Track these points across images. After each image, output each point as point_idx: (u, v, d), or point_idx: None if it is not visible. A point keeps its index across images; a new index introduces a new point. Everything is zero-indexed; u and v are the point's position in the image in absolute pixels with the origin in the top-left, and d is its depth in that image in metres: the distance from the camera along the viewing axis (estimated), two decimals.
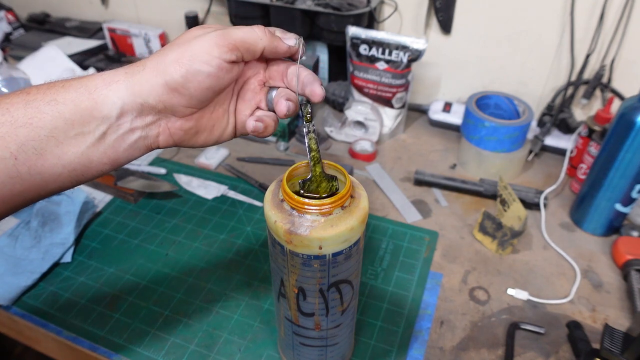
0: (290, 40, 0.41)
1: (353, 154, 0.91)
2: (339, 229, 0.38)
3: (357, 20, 0.91)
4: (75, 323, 0.61)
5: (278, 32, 0.41)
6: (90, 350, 0.58)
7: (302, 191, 0.42)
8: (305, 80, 0.41)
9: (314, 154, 0.41)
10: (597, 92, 0.90)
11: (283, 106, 0.41)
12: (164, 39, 1.19)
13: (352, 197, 0.41)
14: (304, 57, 0.42)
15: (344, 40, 0.92)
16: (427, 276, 0.67)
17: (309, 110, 0.42)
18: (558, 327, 0.61)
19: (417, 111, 1.05)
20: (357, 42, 0.89)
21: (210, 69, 0.37)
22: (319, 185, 0.42)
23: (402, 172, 0.87)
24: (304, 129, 0.41)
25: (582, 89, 0.90)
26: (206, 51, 0.37)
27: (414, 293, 0.65)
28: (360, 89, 0.95)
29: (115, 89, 0.37)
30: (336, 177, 0.43)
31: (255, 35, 0.38)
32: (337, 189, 0.42)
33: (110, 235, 0.74)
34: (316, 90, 0.41)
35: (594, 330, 0.60)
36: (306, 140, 0.41)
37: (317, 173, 0.42)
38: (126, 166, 0.86)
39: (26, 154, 0.35)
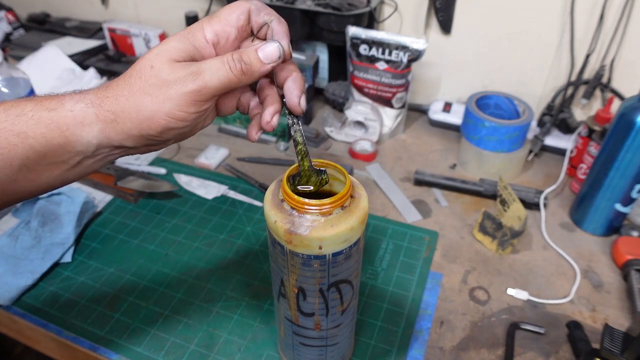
0: (270, 53, 0.37)
1: (353, 154, 0.91)
2: (339, 229, 0.38)
3: (357, 20, 0.91)
4: (75, 323, 0.61)
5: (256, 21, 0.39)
6: (90, 350, 0.58)
7: (292, 187, 0.42)
8: (289, 88, 0.40)
9: (300, 147, 0.41)
10: (597, 92, 0.90)
11: (270, 127, 0.40)
12: (164, 39, 1.18)
13: (352, 197, 0.41)
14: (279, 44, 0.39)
15: (344, 40, 0.92)
16: (427, 276, 0.67)
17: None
18: (558, 327, 0.61)
19: (417, 111, 1.05)
20: (357, 42, 0.89)
21: (186, 123, 0.37)
22: (309, 179, 0.42)
23: (402, 172, 0.87)
24: (288, 122, 0.41)
25: (582, 89, 0.90)
26: (181, 109, 0.36)
27: (414, 293, 0.65)
28: (360, 89, 0.95)
29: (88, 130, 0.36)
30: (325, 170, 0.43)
31: (235, 80, 0.36)
32: (326, 182, 0.42)
33: (110, 235, 0.74)
34: (294, 106, 0.40)
35: (594, 330, 0.60)
36: (292, 133, 0.41)
37: (306, 167, 0.42)
38: (126, 166, 0.86)
39: (0, 180, 0.35)
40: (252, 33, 0.40)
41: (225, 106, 0.42)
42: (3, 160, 0.34)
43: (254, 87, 0.43)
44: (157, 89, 0.35)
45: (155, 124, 0.36)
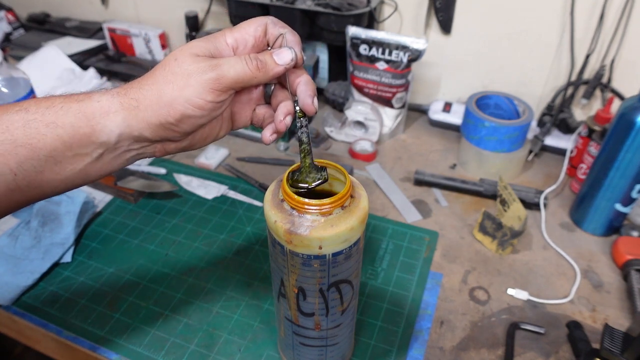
0: (284, 56, 0.41)
1: (353, 154, 0.91)
2: (339, 229, 0.38)
3: (357, 20, 0.91)
4: (75, 323, 0.61)
5: (272, 32, 0.42)
6: (90, 350, 0.58)
7: (291, 181, 0.43)
8: (301, 91, 0.42)
9: (304, 146, 0.43)
10: (597, 92, 0.90)
11: (283, 125, 0.43)
12: (164, 39, 1.19)
13: (352, 197, 0.41)
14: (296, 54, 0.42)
15: (344, 40, 0.92)
16: (427, 276, 0.67)
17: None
18: (558, 327, 0.61)
19: (417, 111, 1.05)
20: (357, 42, 0.89)
21: (204, 112, 0.39)
22: (308, 175, 0.43)
23: (402, 172, 0.87)
24: (297, 124, 0.43)
25: (582, 89, 0.90)
26: (200, 96, 0.38)
27: (414, 293, 0.65)
28: (360, 89, 0.95)
29: (112, 119, 0.38)
30: (325, 167, 0.43)
31: (250, 74, 0.39)
32: (326, 179, 0.43)
33: (110, 235, 0.74)
34: (308, 106, 0.42)
35: (594, 330, 0.60)
36: (298, 134, 0.43)
37: (307, 164, 0.43)
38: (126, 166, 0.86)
39: (26, 171, 0.36)
40: (269, 45, 0.43)
41: (240, 116, 0.45)
42: (31, 150, 0.36)
43: (268, 102, 0.46)
44: (179, 77, 0.38)
45: (174, 110, 0.38)
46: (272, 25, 0.42)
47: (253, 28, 0.42)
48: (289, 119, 0.43)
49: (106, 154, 0.39)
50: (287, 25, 0.43)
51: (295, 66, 0.42)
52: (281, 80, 0.44)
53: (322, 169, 0.43)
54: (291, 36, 0.42)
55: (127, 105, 0.38)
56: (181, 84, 0.38)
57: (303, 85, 0.42)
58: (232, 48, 0.41)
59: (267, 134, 0.45)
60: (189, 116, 0.38)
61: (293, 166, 0.43)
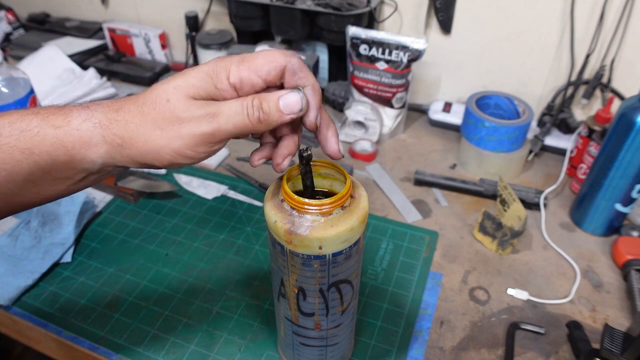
0: (292, 104, 0.36)
1: (353, 154, 0.91)
2: (339, 229, 0.38)
3: (357, 20, 0.91)
4: (75, 323, 0.61)
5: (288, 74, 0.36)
6: (90, 350, 0.58)
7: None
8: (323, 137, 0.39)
9: (307, 188, 0.42)
10: (597, 92, 0.90)
11: (279, 168, 0.40)
12: (164, 39, 1.19)
13: (352, 197, 0.41)
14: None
15: (344, 40, 0.92)
16: (427, 276, 0.67)
17: (310, 154, 0.40)
18: (558, 327, 0.61)
19: (417, 111, 1.05)
20: (357, 42, 0.89)
21: (194, 161, 0.36)
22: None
23: (402, 172, 0.87)
24: (302, 170, 0.41)
25: (582, 89, 0.90)
26: (191, 149, 0.35)
27: (414, 293, 0.65)
28: (360, 89, 0.95)
29: (94, 150, 0.35)
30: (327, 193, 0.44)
31: (251, 126, 0.35)
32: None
33: (110, 235, 0.74)
34: (335, 153, 0.39)
35: (594, 330, 0.60)
36: (302, 174, 0.42)
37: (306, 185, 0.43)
38: None
39: (2, 194, 0.35)
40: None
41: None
42: (7, 175, 0.34)
43: None
44: (169, 124, 0.34)
45: (161, 158, 0.35)
46: (291, 73, 0.36)
47: (266, 70, 0.35)
48: (287, 162, 0.39)
49: (90, 176, 0.37)
50: (310, 74, 0.37)
51: (308, 126, 0.38)
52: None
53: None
54: (311, 95, 0.37)
55: (110, 141, 0.35)
56: (171, 134, 0.34)
57: (325, 128, 0.38)
58: (234, 87, 0.36)
59: (256, 158, 0.40)
60: (178, 163, 0.36)
61: (293, 166, 0.43)
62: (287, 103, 0.35)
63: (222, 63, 0.35)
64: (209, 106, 0.34)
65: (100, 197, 0.81)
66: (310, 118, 0.37)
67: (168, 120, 0.34)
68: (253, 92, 0.36)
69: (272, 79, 0.36)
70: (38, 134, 0.34)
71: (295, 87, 0.37)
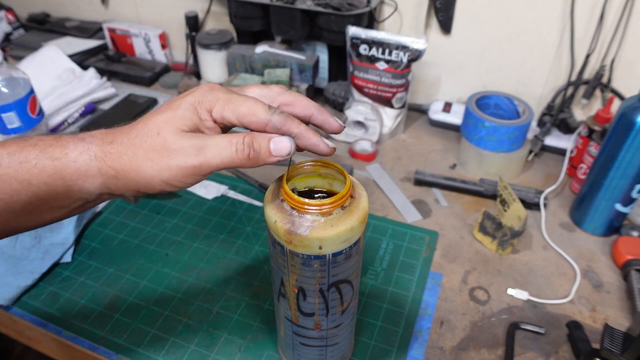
0: (282, 148, 0.37)
1: (353, 154, 0.91)
2: (339, 229, 0.38)
3: (357, 20, 0.91)
4: (75, 323, 0.61)
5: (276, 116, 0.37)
6: (90, 350, 0.58)
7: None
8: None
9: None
10: (597, 92, 0.90)
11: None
12: (164, 39, 1.19)
13: (352, 197, 0.41)
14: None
15: (344, 40, 0.92)
16: (427, 276, 0.67)
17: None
18: (558, 327, 0.61)
19: (417, 111, 1.05)
20: (357, 42, 0.89)
21: (184, 187, 0.37)
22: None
23: (402, 172, 0.87)
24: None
25: (582, 89, 0.90)
26: (178, 180, 0.36)
27: (414, 293, 0.65)
28: (360, 89, 0.95)
29: (91, 182, 0.37)
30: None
31: (238, 162, 0.36)
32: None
33: (110, 235, 0.74)
34: (334, 125, 0.41)
35: (594, 330, 0.60)
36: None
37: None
38: None
39: (0, 222, 0.36)
40: None
41: None
42: (5, 204, 0.35)
43: None
44: (159, 156, 0.35)
45: (152, 187, 0.36)
46: (273, 130, 0.37)
47: (247, 121, 0.37)
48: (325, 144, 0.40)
49: (86, 204, 0.39)
50: (296, 120, 0.38)
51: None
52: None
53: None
54: (316, 111, 0.40)
55: (106, 172, 0.36)
56: (161, 165, 0.35)
57: (322, 114, 0.40)
58: (215, 121, 0.37)
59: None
60: (167, 190, 0.37)
61: (293, 166, 0.43)
62: (278, 147, 0.37)
63: (208, 97, 0.37)
64: (196, 139, 0.36)
65: None
66: (332, 125, 0.41)
67: (158, 152, 0.35)
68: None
69: (253, 129, 0.37)
70: (36, 166, 0.35)
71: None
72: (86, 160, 0.36)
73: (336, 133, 0.41)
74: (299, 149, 0.39)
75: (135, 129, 0.37)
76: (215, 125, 0.37)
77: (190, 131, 0.36)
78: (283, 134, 0.37)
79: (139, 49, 1.22)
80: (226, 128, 0.39)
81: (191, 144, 0.35)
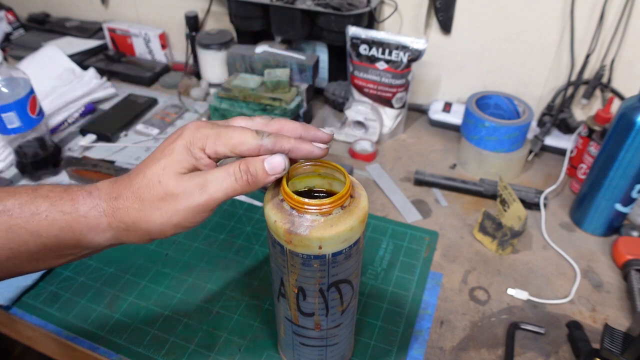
0: (276, 165, 0.38)
1: (353, 154, 0.91)
2: (338, 229, 0.38)
3: (357, 20, 0.91)
4: (75, 323, 0.61)
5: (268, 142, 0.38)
6: (90, 350, 0.58)
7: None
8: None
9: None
10: (597, 92, 0.90)
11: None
12: (164, 39, 1.19)
13: (352, 197, 0.41)
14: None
15: (344, 40, 0.92)
16: (427, 276, 0.67)
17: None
18: (558, 327, 0.61)
19: (417, 111, 1.05)
20: (357, 42, 0.89)
21: (194, 227, 0.39)
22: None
23: (402, 172, 0.87)
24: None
25: (582, 89, 0.90)
26: (189, 220, 0.37)
27: (414, 293, 0.65)
28: (360, 89, 0.95)
29: (101, 235, 0.38)
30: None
31: (240, 190, 0.38)
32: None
33: None
34: (322, 136, 0.41)
35: (594, 330, 0.60)
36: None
37: None
38: (126, 166, 0.86)
39: (5, 268, 0.37)
40: None
41: None
42: (13, 253, 0.36)
43: None
44: (166, 203, 0.37)
45: (165, 232, 0.38)
46: (266, 151, 0.38)
47: (240, 150, 0.38)
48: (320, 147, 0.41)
49: (93, 252, 0.40)
50: (286, 137, 0.38)
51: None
52: None
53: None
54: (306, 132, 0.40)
55: (116, 227, 0.38)
56: (170, 211, 0.37)
57: (309, 131, 0.40)
58: (209, 157, 0.38)
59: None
60: (179, 232, 0.39)
61: (293, 166, 0.43)
62: (273, 166, 0.38)
63: (198, 136, 0.38)
64: (196, 177, 0.37)
65: None
66: (322, 137, 0.41)
67: (164, 200, 0.37)
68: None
69: (247, 156, 0.38)
70: (47, 218, 0.36)
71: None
72: (96, 216, 0.37)
73: (327, 142, 0.42)
74: (295, 160, 0.40)
75: (136, 181, 0.38)
76: (211, 160, 0.38)
77: (188, 172, 0.38)
78: (277, 153, 0.39)
79: (139, 49, 1.22)
80: (218, 160, 0.40)
81: (193, 183, 0.37)
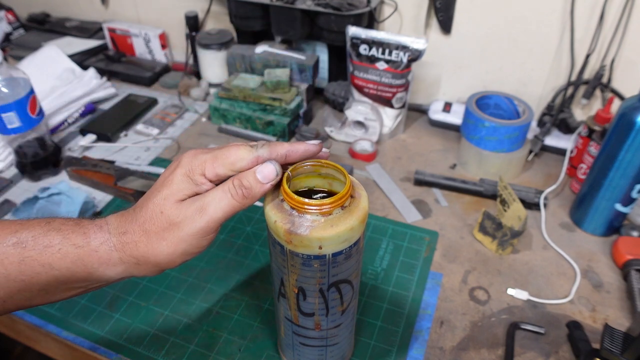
0: (267, 173, 0.38)
1: (353, 154, 0.91)
2: (339, 229, 0.38)
3: (357, 20, 0.91)
4: (75, 323, 0.61)
5: (264, 151, 0.39)
6: (90, 350, 0.58)
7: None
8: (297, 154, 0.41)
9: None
10: (597, 92, 0.90)
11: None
12: (164, 39, 1.19)
13: (352, 197, 0.41)
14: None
15: (344, 40, 0.92)
16: (427, 276, 0.67)
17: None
18: (558, 327, 0.61)
19: (417, 111, 1.05)
20: (357, 42, 0.89)
21: (201, 251, 0.40)
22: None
23: (402, 172, 0.87)
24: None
25: (582, 89, 0.90)
26: (195, 246, 0.38)
27: (414, 293, 0.65)
28: (360, 89, 0.95)
29: (112, 269, 0.38)
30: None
31: (238, 205, 0.38)
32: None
33: None
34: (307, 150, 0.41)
35: (594, 330, 0.60)
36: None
37: None
38: (126, 166, 0.86)
39: (16, 300, 0.37)
40: None
41: None
42: (24, 286, 0.36)
43: None
44: (170, 233, 0.37)
45: (174, 262, 0.39)
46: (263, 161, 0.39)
47: (239, 166, 0.39)
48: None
49: (103, 285, 0.40)
50: (280, 145, 0.40)
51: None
52: None
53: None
54: (302, 147, 0.41)
55: (127, 261, 0.38)
56: (175, 240, 0.37)
57: (297, 151, 0.41)
58: (210, 180, 0.39)
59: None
60: (188, 259, 0.40)
61: (293, 166, 0.43)
62: (265, 175, 0.38)
63: (196, 162, 0.38)
64: (195, 202, 0.38)
65: (100, 197, 0.81)
66: (312, 150, 0.41)
67: (168, 230, 0.38)
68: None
69: (246, 169, 0.39)
70: (59, 251, 0.37)
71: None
72: (107, 250, 0.38)
73: (317, 153, 0.42)
74: (293, 163, 0.41)
75: (140, 215, 0.38)
76: (212, 184, 0.39)
77: (188, 198, 0.38)
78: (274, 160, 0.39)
79: (139, 49, 1.22)
80: (220, 181, 0.40)
81: (192, 208, 0.37)
